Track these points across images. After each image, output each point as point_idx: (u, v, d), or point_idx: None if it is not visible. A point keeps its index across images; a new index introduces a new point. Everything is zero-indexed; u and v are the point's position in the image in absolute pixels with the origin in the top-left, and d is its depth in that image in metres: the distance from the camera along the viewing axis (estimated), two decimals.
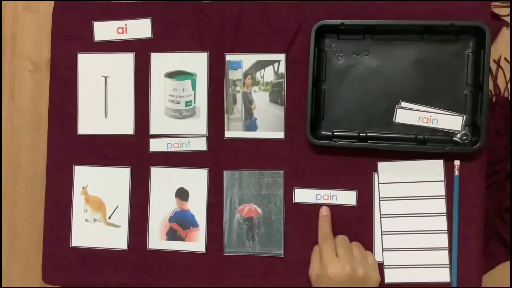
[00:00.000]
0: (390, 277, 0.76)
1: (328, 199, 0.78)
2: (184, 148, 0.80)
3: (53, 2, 0.83)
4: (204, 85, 0.80)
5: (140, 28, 0.81)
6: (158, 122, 0.81)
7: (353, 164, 0.77)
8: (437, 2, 0.76)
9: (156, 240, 0.81)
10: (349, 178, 0.78)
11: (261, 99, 0.80)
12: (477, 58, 0.74)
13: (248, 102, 0.80)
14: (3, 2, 0.86)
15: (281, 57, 0.79)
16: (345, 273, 0.69)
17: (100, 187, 0.82)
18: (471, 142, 0.75)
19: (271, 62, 0.79)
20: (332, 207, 0.77)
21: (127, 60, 0.81)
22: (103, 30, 0.82)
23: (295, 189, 0.79)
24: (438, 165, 0.76)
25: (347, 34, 0.77)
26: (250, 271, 0.79)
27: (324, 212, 0.76)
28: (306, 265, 0.76)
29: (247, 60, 0.80)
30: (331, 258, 0.71)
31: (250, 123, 0.80)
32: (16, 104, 0.86)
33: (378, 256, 0.76)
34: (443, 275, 0.76)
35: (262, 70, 0.79)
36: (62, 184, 0.82)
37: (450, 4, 0.76)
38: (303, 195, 0.78)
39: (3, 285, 0.86)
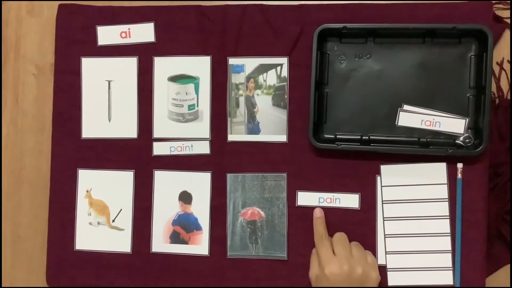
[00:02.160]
0: (394, 280, 0.76)
1: (331, 202, 0.78)
2: (187, 152, 0.81)
3: (56, 6, 0.83)
4: (207, 89, 0.81)
5: (143, 32, 0.81)
6: (161, 125, 0.81)
7: (356, 167, 0.78)
8: (439, 5, 0.76)
9: (160, 243, 0.81)
10: (352, 181, 0.78)
11: (263, 102, 0.80)
12: (479, 61, 0.74)
13: (251, 105, 0.80)
14: (7, 6, 0.86)
15: (284, 60, 0.79)
16: (342, 272, 0.69)
17: (104, 191, 0.82)
18: (474, 145, 0.75)
19: (274, 66, 0.79)
20: (335, 210, 0.78)
21: (131, 64, 0.82)
22: (107, 34, 0.82)
23: (298, 192, 0.79)
24: (441, 168, 0.76)
25: (350, 37, 0.77)
26: (253, 274, 0.79)
27: (318, 213, 0.77)
28: (309, 268, 0.76)
29: (250, 63, 0.80)
30: (328, 257, 0.71)
31: (253, 127, 0.80)
32: (20, 107, 0.86)
33: (381, 259, 0.76)
34: (446, 278, 0.76)
35: (265, 74, 0.80)
36: (66, 187, 0.83)
37: (452, 7, 0.76)
38: (306, 198, 0.78)
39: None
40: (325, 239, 0.74)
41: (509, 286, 0.78)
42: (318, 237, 0.75)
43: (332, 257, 0.71)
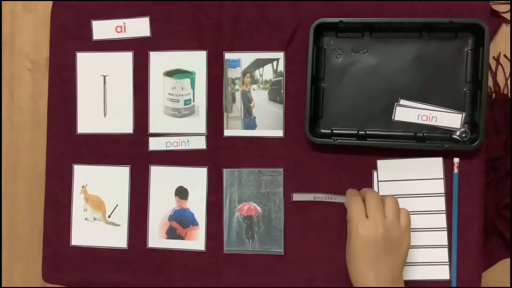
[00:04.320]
0: None
1: (326, 197, 0.78)
2: (183, 147, 0.81)
3: (51, 1, 0.83)
4: (203, 84, 0.80)
5: (138, 27, 0.81)
6: (157, 120, 0.81)
7: (352, 162, 0.77)
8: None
9: (156, 238, 0.81)
10: (348, 176, 0.78)
11: (260, 97, 0.80)
12: (476, 56, 0.74)
13: (247, 100, 0.80)
14: (2, 1, 0.86)
15: (280, 55, 0.79)
16: (377, 234, 0.68)
17: (99, 186, 0.82)
18: (470, 139, 0.74)
19: (270, 60, 0.79)
20: (331, 205, 0.78)
21: (126, 59, 0.81)
22: (102, 29, 0.81)
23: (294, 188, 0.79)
24: (437, 162, 0.76)
25: (346, 32, 0.77)
26: (250, 270, 0.79)
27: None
28: (305, 263, 0.77)
29: (246, 58, 0.79)
30: (361, 219, 0.69)
31: (249, 122, 0.80)
32: (15, 102, 0.86)
33: None
34: (443, 273, 0.76)
35: (261, 68, 0.79)
36: (62, 183, 0.82)
37: (449, 1, 0.76)
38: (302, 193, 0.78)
39: (4, 285, 0.87)
40: (357, 195, 0.72)
41: (507, 282, 0.78)
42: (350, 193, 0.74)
43: (364, 219, 0.69)
